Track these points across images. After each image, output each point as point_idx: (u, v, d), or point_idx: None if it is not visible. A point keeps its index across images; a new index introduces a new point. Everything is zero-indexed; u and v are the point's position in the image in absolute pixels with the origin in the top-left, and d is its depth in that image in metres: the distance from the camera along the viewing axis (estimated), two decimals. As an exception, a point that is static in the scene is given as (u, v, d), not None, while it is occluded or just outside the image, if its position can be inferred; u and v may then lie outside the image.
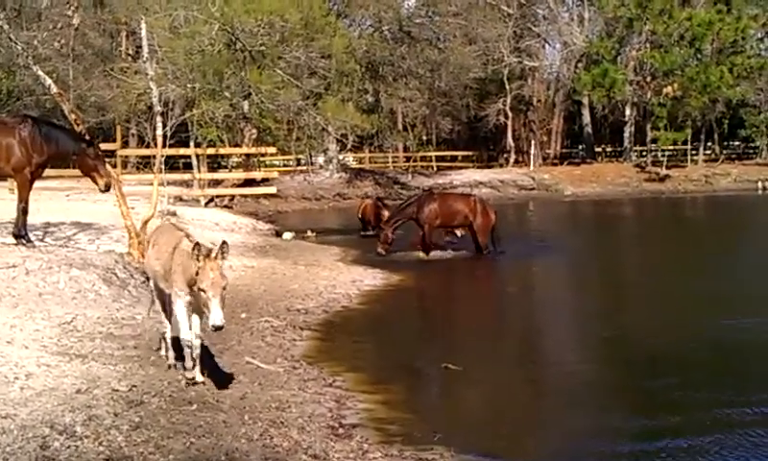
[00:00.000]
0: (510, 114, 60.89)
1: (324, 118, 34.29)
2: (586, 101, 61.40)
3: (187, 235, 7.86)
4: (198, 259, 7.11)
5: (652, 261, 20.53)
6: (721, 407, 8.30)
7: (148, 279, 9.49)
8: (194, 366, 7.84)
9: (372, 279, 16.63)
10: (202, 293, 7.07)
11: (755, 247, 23.05)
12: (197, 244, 7.21)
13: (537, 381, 9.81)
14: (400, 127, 58.04)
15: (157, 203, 14.49)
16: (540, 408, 8.76)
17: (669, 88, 55.16)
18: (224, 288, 7.10)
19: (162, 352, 8.72)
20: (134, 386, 7.70)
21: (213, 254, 7.17)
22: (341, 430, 7.27)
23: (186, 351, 7.80)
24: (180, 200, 28.26)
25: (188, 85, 29.02)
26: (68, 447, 6.02)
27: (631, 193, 50.36)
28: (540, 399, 9.12)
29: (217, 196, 28.81)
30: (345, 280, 16.02)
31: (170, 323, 8.44)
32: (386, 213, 24.09)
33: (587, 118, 63.36)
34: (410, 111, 50.69)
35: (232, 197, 29.79)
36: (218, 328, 7.06)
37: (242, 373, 8.84)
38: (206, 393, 7.86)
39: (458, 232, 22.00)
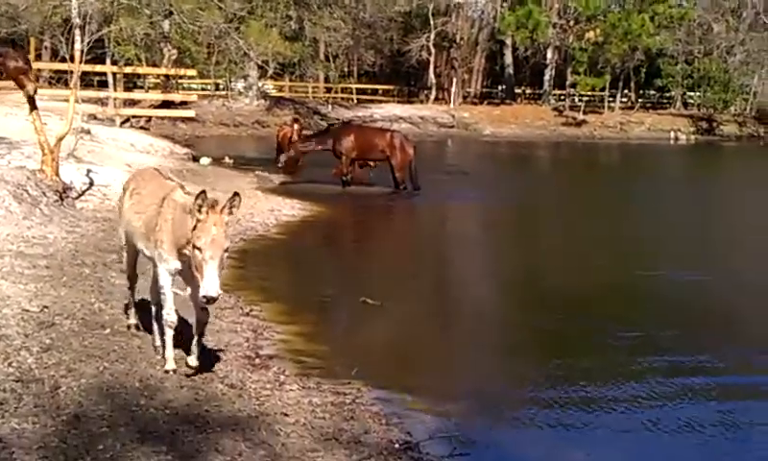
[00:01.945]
0: (433, 51, 60.63)
1: (247, 43, 33.62)
2: (509, 41, 61.44)
3: (181, 186, 6.44)
4: (200, 210, 5.73)
5: (564, 206, 20.88)
6: (625, 353, 8.52)
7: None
8: (187, 352, 6.49)
9: (290, 209, 16.52)
10: (197, 252, 5.72)
11: (665, 197, 23.53)
12: (202, 192, 5.80)
13: (452, 319, 9.93)
14: (322, 57, 57.35)
15: (73, 119, 14.01)
16: (456, 348, 8.80)
17: (591, 33, 55.73)
18: (225, 250, 5.80)
19: (131, 321, 7.42)
20: (46, 307, 7.52)
21: (219, 207, 5.81)
22: (257, 360, 7.21)
23: (169, 332, 6.42)
24: (95, 118, 27.47)
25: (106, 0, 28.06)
26: (-24, 367, 5.86)
27: (548, 136, 50.93)
28: (455, 338, 9.17)
29: (133, 116, 28.09)
30: (263, 209, 15.89)
31: (135, 289, 7.42)
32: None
33: (508, 59, 63.49)
34: (333, 41, 50.04)
35: (149, 118, 29.08)
36: (211, 300, 5.77)
37: (157, 298, 8.69)
38: (120, 317, 7.71)
39: (371, 164, 21.89)
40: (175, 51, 30.29)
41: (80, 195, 13.71)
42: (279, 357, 7.44)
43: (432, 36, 59.91)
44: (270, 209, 15.93)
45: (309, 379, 6.85)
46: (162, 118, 32.01)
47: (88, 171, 15.43)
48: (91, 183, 14.66)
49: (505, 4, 60.09)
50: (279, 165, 22.33)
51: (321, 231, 15.90)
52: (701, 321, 10.03)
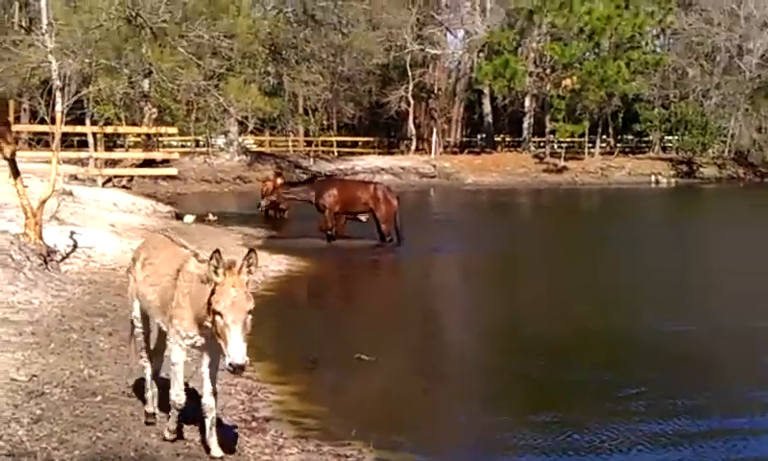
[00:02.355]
0: (411, 101, 60.96)
1: (226, 99, 33.65)
2: (486, 90, 61.85)
3: (195, 254, 5.93)
4: (216, 273, 5.35)
5: (546, 253, 20.87)
6: (613, 399, 8.61)
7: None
8: (209, 435, 5.99)
9: (276, 265, 16.37)
10: (218, 318, 5.30)
11: (645, 241, 23.59)
12: (216, 252, 5.38)
13: (444, 372, 9.84)
14: (301, 111, 57.48)
15: (55, 181, 13.86)
16: (450, 401, 8.71)
17: (568, 81, 56.17)
18: (249, 313, 5.33)
19: (149, 409, 6.61)
20: (35, 376, 7.34)
21: (237, 267, 5.41)
22: (254, 424, 7.06)
23: (174, 413, 6.06)
24: (75, 179, 27.33)
25: (85, 61, 27.99)
26: (-35, 442, 5.66)
27: (530, 183, 51.05)
28: (449, 391, 9.09)
29: (115, 176, 27.96)
30: (249, 266, 15.68)
31: (152, 369, 6.69)
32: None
33: (487, 108, 63.85)
34: (312, 95, 50.11)
35: (131, 177, 28.96)
36: (238, 368, 5.27)
37: (147, 363, 8.51)
38: (111, 384, 7.54)
39: (362, 218, 21.81)
40: (155, 110, 30.26)
41: (64, 258, 13.53)
42: (276, 419, 7.28)
43: (411, 87, 60.28)
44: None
45: (308, 442, 6.70)
46: (144, 177, 31.90)
47: (72, 233, 15.27)
48: (75, 246, 14.50)
49: (482, 54, 60.54)
50: (260, 210, 22.40)
51: (308, 287, 15.77)
52: (680, 366, 10.05)
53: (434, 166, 52.34)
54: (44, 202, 13.05)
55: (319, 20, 47.66)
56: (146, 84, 30.84)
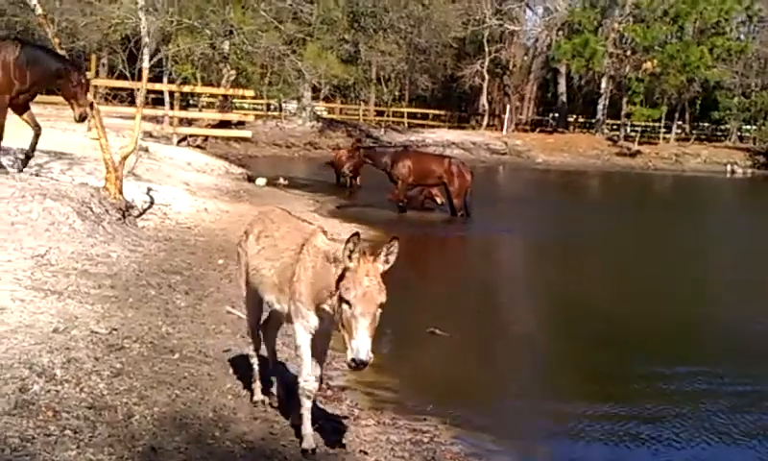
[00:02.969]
0: (486, 77, 60.48)
1: (304, 65, 33.67)
2: (563, 69, 61.12)
3: (323, 230, 5.65)
4: (350, 257, 4.90)
5: (623, 241, 20.34)
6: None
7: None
8: (304, 425, 5.55)
9: (348, 233, 16.21)
10: (344, 306, 4.85)
11: (733, 231, 23.07)
12: (356, 235, 4.95)
13: (520, 355, 9.73)
14: (375, 80, 57.32)
15: (138, 138, 13.98)
16: (527, 382, 8.63)
17: (648, 64, 55.08)
18: (380, 306, 4.89)
19: (257, 395, 6.30)
20: (114, 329, 7.35)
21: (374, 254, 4.99)
22: (329, 392, 7.01)
23: (307, 404, 5.49)
24: (150, 136, 27.60)
25: (168, 19, 28.19)
26: (48, 390, 5.68)
27: (601, 166, 50.33)
28: (526, 372, 9.03)
29: (190, 135, 28.16)
30: (321, 233, 15.67)
31: (267, 351, 6.46)
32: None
33: (562, 87, 63.08)
34: (387, 65, 49.99)
35: (206, 137, 29.15)
36: (361, 365, 4.79)
37: (223, 322, 8.54)
38: (188, 342, 7.55)
39: (438, 200, 21.67)
40: (233, 72, 30.35)
41: (141, 214, 13.66)
42: (351, 389, 7.25)
43: (486, 62, 59.77)
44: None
45: (384, 414, 6.64)
46: (217, 138, 32.10)
47: (148, 189, 15.42)
48: (152, 202, 14.63)
49: (561, 32, 59.74)
50: (346, 175, 22.69)
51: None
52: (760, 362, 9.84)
53: (505, 143, 51.93)
54: (125, 157, 13.17)
55: (399, -11, 47.38)
56: (226, 45, 30.97)
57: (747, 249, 19.85)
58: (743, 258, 18.57)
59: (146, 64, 14.06)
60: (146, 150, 20.75)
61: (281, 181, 25.03)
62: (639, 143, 55.24)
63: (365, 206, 20.97)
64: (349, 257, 4.90)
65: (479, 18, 57.83)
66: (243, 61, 32.23)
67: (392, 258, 5.02)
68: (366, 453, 5.71)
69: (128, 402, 5.79)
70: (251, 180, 24.02)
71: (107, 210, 12.13)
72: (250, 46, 30.49)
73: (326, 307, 5.21)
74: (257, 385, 6.32)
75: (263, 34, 30.38)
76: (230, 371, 6.98)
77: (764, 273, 16.26)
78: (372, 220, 18.39)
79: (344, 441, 5.85)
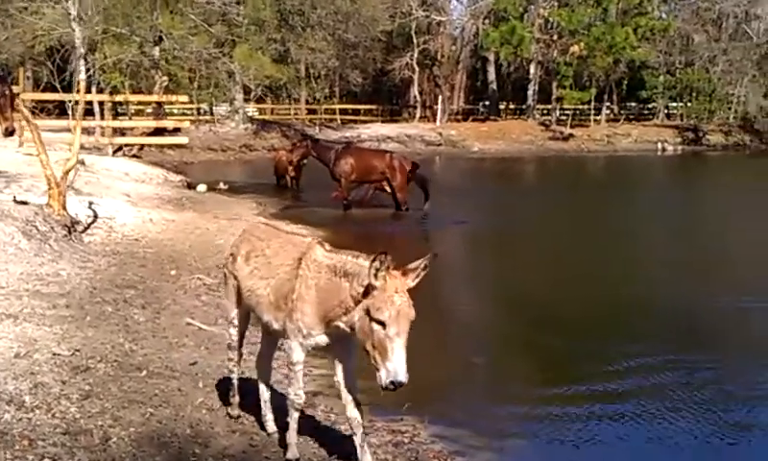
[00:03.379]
0: (416, 69, 60.60)
1: (237, 67, 33.37)
2: (492, 57, 61.52)
3: (320, 242, 5.40)
4: (376, 276, 4.67)
5: (557, 224, 20.35)
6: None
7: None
8: (361, 454, 5.31)
9: (308, 233, 16.13)
10: (376, 326, 4.64)
11: (659, 209, 23.47)
12: (383, 253, 4.66)
13: (489, 346, 9.78)
14: (305, 78, 57.03)
15: (78, 151, 13.70)
16: (500, 374, 8.76)
17: (576, 47, 55.68)
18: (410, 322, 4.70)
19: (234, 412, 6.20)
20: (77, 350, 7.19)
21: (401, 269, 4.78)
22: (302, 399, 6.92)
23: (294, 415, 5.43)
24: (82, 147, 27.08)
25: (95, 28, 27.72)
26: (20, 419, 5.54)
27: (536, 151, 50.75)
28: (494, 363, 9.06)
29: (126, 145, 27.71)
30: (270, 236, 15.52)
31: (263, 383, 6.17)
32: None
33: (492, 75, 63.50)
34: (318, 63, 49.77)
35: (141, 146, 28.70)
36: (399, 386, 4.63)
37: (185, 335, 8.42)
38: (154, 358, 7.42)
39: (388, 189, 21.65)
40: (166, 78, 29.94)
41: (86, 228, 13.39)
42: (324, 394, 7.17)
43: (415, 55, 59.89)
44: (277, 236, 15.58)
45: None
46: (151, 145, 31.64)
47: (90, 203, 15.11)
48: (95, 216, 14.34)
49: (487, 21, 60.12)
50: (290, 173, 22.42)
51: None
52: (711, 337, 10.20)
53: (440, 134, 52.04)
54: (68, 172, 12.90)
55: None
56: (156, 51, 30.55)
57: (678, 227, 20.13)
58: (674, 237, 18.86)
59: (82, 76, 13.86)
60: (82, 163, 20.34)
61: (221, 185, 24.76)
62: (571, 127, 55.84)
63: (309, 207, 20.84)
64: (376, 276, 4.65)
65: (405, 11, 57.90)
66: (173, 67, 31.81)
67: (423, 272, 4.82)
68: (349, 459, 5.64)
69: (102, 425, 5.67)
70: (190, 186, 23.74)
71: (52, 227, 11.87)
72: (180, 51, 30.12)
73: (342, 325, 4.97)
74: (236, 400, 6.20)
75: (193, 38, 30.01)
76: (200, 384, 6.88)
77: (694, 250, 16.60)
78: (318, 220, 18.27)
79: (325, 448, 5.79)
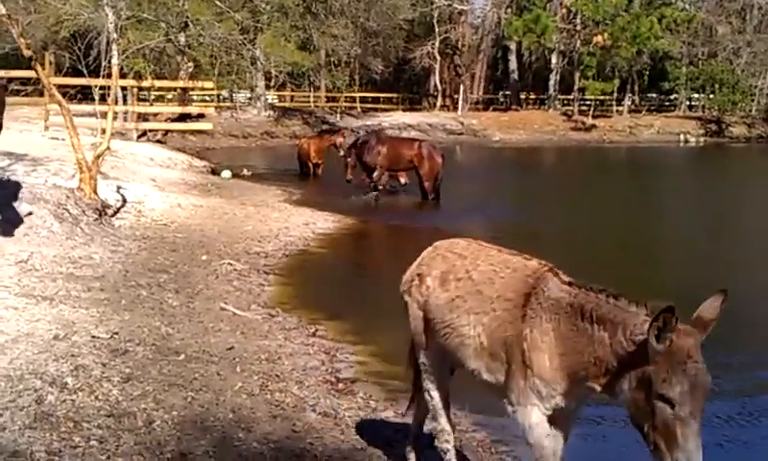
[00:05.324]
0: (437, 57, 60.39)
1: (262, 54, 33.35)
2: (513, 47, 61.21)
3: (551, 269, 4.18)
4: (658, 338, 3.46)
5: (598, 215, 20.28)
6: None
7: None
8: None
9: (323, 221, 16.18)
10: (662, 405, 3.46)
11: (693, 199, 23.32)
12: (669, 308, 3.41)
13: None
14: (326, 66, 56.86)
15: (110, 136, 13.72)
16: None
17: (599, 38, 55.32)
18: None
19: None
20: (115, 333, 7.20)
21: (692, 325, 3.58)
22: (340, 385, 6.91)
23: None
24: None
25: (122, 12, 27.66)
26: (63, 400, 5.54)
27: (558, 142, 50.51)
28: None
29: (150, 130, 27.73)
30: (297, 223, 15.56)
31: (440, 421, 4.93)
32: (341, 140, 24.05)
33: (513, 64, 63.14)
34: (340, 50, 49.59)
35: (166, 132, 28.73)
36: None
37: (220, 320, 8.42)
38: (191, 342, 7.41)
39: (402, 179, 21.69)
40: (191, 64, 29.95)
41: (116, 213, 13.42)
42: (362, 381, 7.15)
43: (437, 43, 59.68)
44: (305, 223, 15.60)
45: (400, 404, 6.52)
46: (177, 131, 31.66)
47: (118, 188, 15.16)
48: (124, 201, 14.38)
49: (509, 10, 59.82)
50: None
51: (359, 243, 15.67)
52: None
53: (461, 123, 51.84)
54: (99, 156, 12.92)
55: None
56: (182, 37, 30.53)
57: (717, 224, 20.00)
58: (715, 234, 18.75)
59: (115, 60, 13.79)
60: (109, 148, 20.38)
61: (245, 172, 24.77)
62: (593, 117, 55.57)
63: (334, 195, 20.73)
64: (658, 338, 3.46)
65: (427, -1, 57.75)
66: (198, 53, 31.81)
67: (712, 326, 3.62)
68: (392, 446, 5.62)
69: (145, 408, 5.66)
70: (214, 172, 23.74)
71: (83, 211, 11.89)
72: (206, 37, 30.11)
73: (595, 386, 3.83)
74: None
75: (219, 24, 29.99)
76: (238, 369, 6.87)
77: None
78: (343, 207, 18.22)
79: (365, 435, 5.76)
